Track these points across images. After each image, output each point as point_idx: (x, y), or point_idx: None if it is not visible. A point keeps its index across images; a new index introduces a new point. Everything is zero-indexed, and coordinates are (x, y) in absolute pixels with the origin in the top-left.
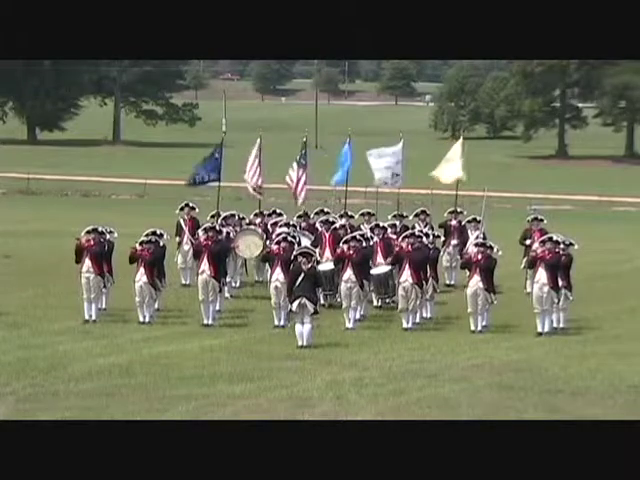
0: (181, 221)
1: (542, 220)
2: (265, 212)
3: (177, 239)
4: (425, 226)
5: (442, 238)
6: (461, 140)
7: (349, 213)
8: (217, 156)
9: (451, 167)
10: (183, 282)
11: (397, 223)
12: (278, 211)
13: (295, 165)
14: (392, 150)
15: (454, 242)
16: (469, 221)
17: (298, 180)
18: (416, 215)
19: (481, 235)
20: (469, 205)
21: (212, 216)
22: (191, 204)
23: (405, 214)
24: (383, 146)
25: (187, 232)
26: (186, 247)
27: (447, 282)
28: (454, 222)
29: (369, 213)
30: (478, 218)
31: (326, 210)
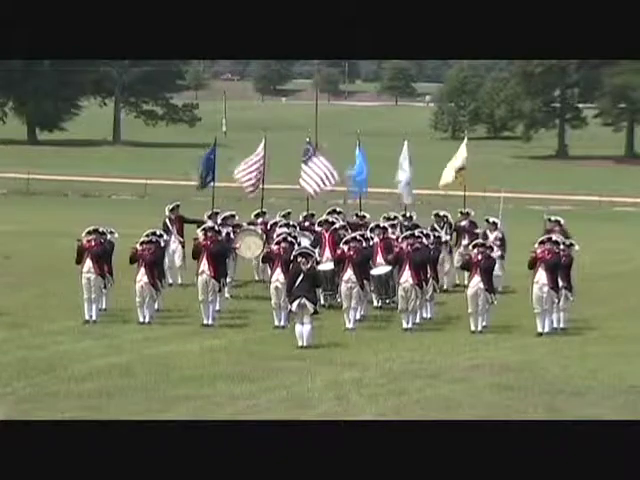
0: (167, 221)
1: (553, 221)
2: (263, 211)
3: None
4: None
5: (444, 238)
6: (465, 143)
7: (337, 209)
8: (211, 156)
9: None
10: (170, 282)
11: (395, 223)
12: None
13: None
14: (402, 161)
15: (465, 242)
16: (488, 222)
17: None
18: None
19: (499, 236)
20: (469, 206)
21: (209, 216)
22: (176, 203)
23: (394, 215)
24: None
25: (175, 232)
26: (173, 246)
27: (457, 282)
28: (464, 223)
29: (364, 216)
30: (493, 219)
31: (338, 210)
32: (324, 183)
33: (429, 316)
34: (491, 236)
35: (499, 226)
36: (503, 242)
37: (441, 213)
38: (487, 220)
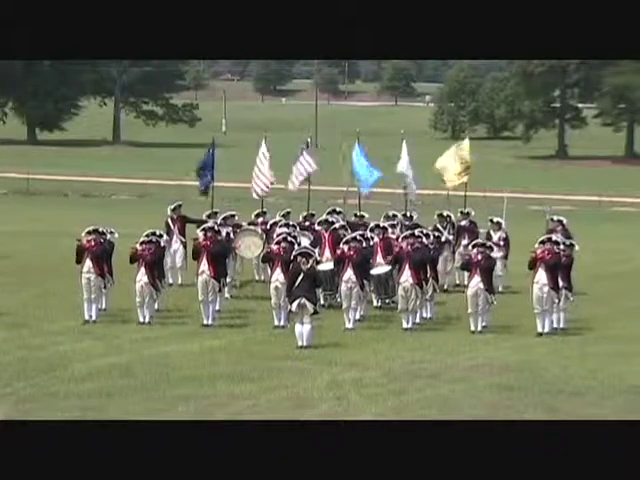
0: (169, 220)
1: (555, 220)
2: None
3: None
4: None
5: (445, 238)
6: (467, 143)
7: (337, 209)
8: (210, 157)
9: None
10: (170, 282)
11: (395, 222)
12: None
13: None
14: (404, 159)
15: (465, 242)
16: (492, 222)
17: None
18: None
19: (503, 235)
20: (469, 206)
21: (208, 215)
22: (178, 203)
23: (394, 214)
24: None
25: (177, 232)
26: (175, 245)
27: (457, 282)
28: (464, 223)
29: (362, 215)
30: (497, 219)
31: (338, 210)
32: (302, 175)
33: (429, 316)
34: (495, 236)
35: (503, 226)
36: (507, 242)
37: (444, 213)
38: (491, 220)
